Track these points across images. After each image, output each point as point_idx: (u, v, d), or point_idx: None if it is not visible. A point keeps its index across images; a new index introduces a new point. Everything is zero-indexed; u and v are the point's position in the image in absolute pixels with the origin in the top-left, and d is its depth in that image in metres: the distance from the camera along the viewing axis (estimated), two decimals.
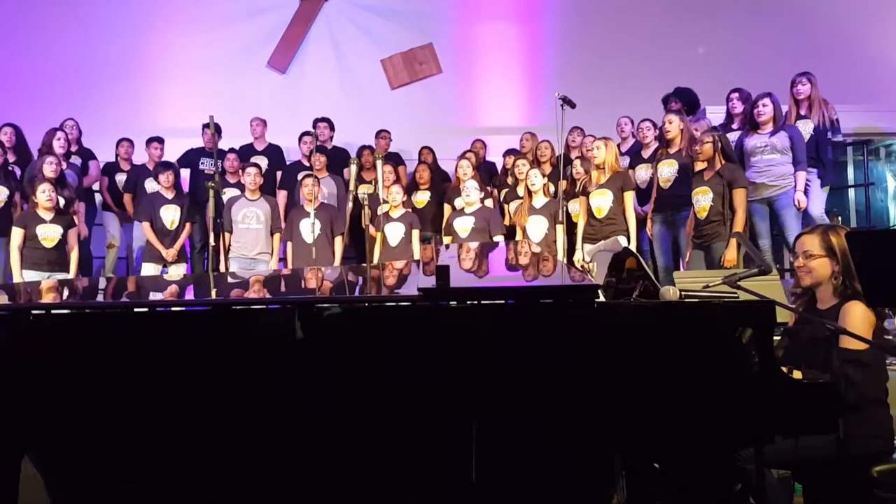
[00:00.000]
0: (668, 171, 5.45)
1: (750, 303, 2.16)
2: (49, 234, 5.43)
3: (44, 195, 5.40)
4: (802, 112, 5.52)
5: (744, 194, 4.92)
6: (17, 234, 5.38)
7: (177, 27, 8.28)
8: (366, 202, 5.67)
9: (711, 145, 5.01)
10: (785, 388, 2.05)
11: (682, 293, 2.27)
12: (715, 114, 6.34)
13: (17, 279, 5.27)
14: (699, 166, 5.18)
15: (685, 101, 6.21)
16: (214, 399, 2.16)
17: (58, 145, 6.10)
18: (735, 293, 2.39)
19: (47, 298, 2.84)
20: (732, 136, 5.59)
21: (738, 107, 5.81)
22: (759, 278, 2.51)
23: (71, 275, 5.46)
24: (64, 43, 8.12)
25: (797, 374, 2.30)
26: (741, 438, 2.11)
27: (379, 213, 5.71)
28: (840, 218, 6.52)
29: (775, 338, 2.74)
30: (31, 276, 5.31)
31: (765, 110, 5.29)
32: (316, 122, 7.08)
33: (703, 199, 5.02)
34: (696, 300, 2.30)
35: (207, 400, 2.17)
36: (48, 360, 2.21)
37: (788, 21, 8.07)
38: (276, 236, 6.06)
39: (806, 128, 5.43)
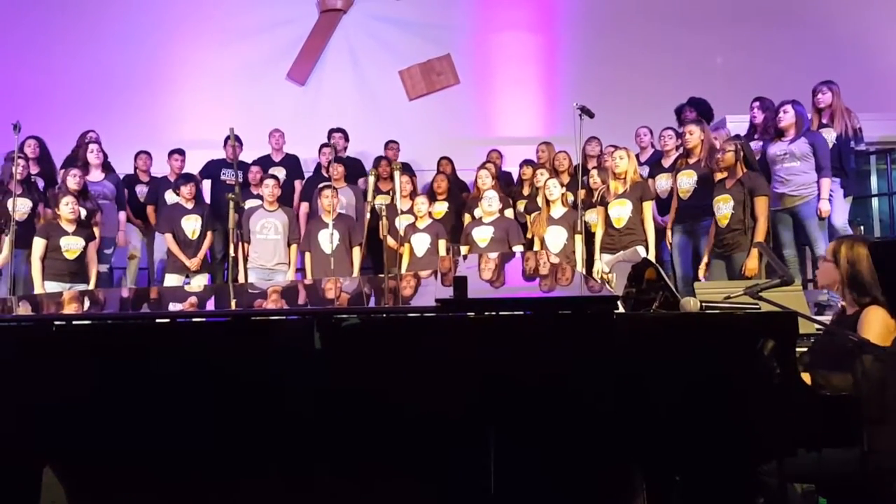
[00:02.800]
0: (687, 181, 5.42)
1: (772, 314, 2.13)
2: (71, 245, 5.46)
3: (67, 207, 5.44)
4: (825, 121, 5.46)
5: (765, 202, 4.86)
6: (39, 244, 5.40)
7: (197, 40, 8.37)
8: (383, 213, 5.66)
9: (734, 154, 4.95)
10: (807, 401, 2.02)
11: (703, 304, 2.24)
12: (734, 123, 6.29)
13: (38, 290, 5.30)
14: (720, 176, 5.13)
15: (699, 111, 6.17)
16: (236, 408, 2.17)
17: (92, 157, 6.20)
18: (757, 304, 2.36)
19: (69, 309, 2.87)
20: (754, 146, 5.53)
21: (759, 116, 5.74)
22: (781, 289, 2.49)
23: (91, 287, 5.49)
24: (85, 56, 8.24)
25: (805, 376, 2.26)
26: (763, 451, 2.08)
27: (397, 223, 5.70)
28: (863, 228, 6.43)
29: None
30: (52, 287, 5.34)
31: (784, 117, 5.24)
32: (331, 132, 7.12)
33: (724, 207, 4.97)
34: (717, 311, 2.27)
35: (228, 409, 2.17)
36: (70, 370, 2.22)
37: (809, 29, 8.01)
38: (294, 247, 6.09)
39: (829, 137, 5.34)
